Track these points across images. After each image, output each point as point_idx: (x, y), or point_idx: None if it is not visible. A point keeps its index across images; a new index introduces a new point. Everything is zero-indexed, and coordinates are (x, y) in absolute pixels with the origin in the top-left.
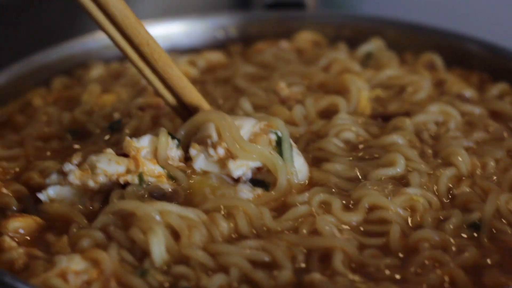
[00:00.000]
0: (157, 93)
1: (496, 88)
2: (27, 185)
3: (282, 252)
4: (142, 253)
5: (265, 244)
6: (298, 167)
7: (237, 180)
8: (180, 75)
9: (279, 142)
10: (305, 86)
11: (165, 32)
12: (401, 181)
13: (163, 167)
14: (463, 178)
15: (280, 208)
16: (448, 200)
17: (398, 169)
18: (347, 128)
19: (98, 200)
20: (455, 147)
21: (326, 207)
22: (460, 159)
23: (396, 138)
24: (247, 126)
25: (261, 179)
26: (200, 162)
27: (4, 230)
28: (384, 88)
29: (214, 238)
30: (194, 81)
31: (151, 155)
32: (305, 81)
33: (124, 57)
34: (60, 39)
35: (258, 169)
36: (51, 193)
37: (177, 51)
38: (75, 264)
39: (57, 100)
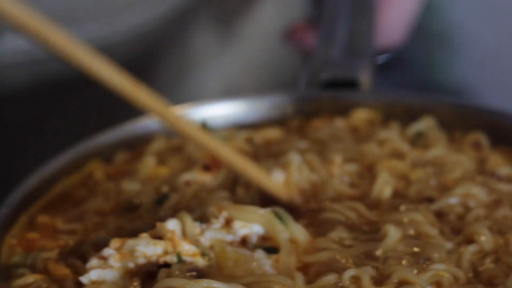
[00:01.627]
0: None
1: None
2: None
3: None
4: None
5: None
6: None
7: (245, 245)
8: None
9: (276, 212)
10: (359, 166)
11: (225, 111)
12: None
13: (195, 245)
14: (487, 255)
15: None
16: (472, 275)
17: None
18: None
19: (138, 280)
20: (477, 226)
21: (356, 281)
22: (483, 238)
23: (414, 215)
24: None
25: (270, 246)
26: (209, 233)
27: None
28: (431, 167)
29: None
30: (248, 155)
31: (181, 237)
32: (360, 160)
33: None
34: (121, 119)
35: (264, 238)
36: (93, 276)
37: (237, 127)
38: None
39: (117, 173)
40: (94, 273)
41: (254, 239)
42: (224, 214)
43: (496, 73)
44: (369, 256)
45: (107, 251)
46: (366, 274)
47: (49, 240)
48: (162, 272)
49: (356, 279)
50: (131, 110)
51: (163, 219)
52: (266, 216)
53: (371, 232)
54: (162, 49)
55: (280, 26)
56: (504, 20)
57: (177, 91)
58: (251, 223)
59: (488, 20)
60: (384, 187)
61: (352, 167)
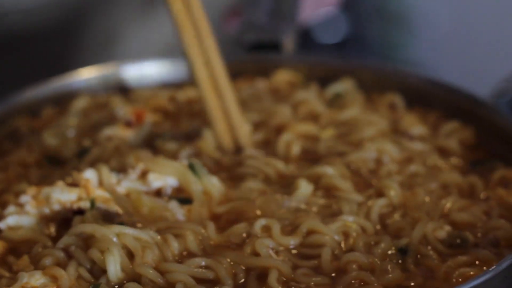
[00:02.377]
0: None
1: (447, 126)
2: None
3: (225, 270)
4: (100, 272)
5: (211, 262)
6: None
7: (160, 195)
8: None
9: (191, 165)
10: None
11: (154, 70)
12: (332, 208)
13: (109, 192)
14: (396, 208)
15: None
16: (380, 227)
17: (299, 198)
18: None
19: (54, 226)
20: (388, 180)
21: (267, 230)
22: (392, 192)
23: (326, 169)
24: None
25: (184, 197)
26: (125, 183)
27: None
28: (344, 127)
29: (165, 257)
30: (170, 114)
31: (98, 185)
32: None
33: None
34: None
35: (178, 190)
36: (10, 222)
37: (162, 87)
38: (35, 279)
39: (43, 127)
40: (11, 219)
41: (168, 191)
42: (141, 165)
43: (452, 52)
44: (280, 208)
45: (23, 198)
46: (276, 223)
47: None
48: (76, 219)
49: (267, 229)
50: (56, 68)
51: (82, 171)
52: (180, 169)
53: (285, 186)
54: (94, 9)
55: None
56: (461, 1)
57: (111, 52)
58: (166, 175)
59: (445, 1)
60: (290, 145)
61: (259, 136)
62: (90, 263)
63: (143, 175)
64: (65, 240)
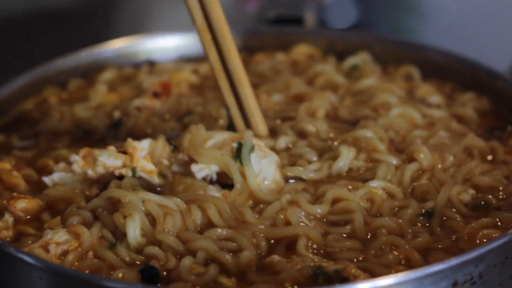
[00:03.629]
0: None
1: (464, 96)
2: (43, 171)
3: (247, 239)
4: (122, 235)
5: (232, 233)
6: (264, 169)
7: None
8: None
9: (239, 149)
10: (284, 96)
11: (175, 43)
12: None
13: (155, 165)
14: (425, 171)
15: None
16: (410, 191)
17: (341, 164)
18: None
19: (96, 188)
20: (418, 145)
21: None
22: (422, 155)
23: (366, 132)
24: (217, 138)
25: (229, 183)
26: (175, 166)
27: (10, 208)
28: (362, 95)
29: (187, 226)
30: (194, 87)
31: (148, 156)
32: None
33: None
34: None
35: (224, 174)
36: (56, 178)
37: (185, 60)
38: (58, 236)
39: (71, 99)
40: (57, 175)
41: (214, 177)
42: (187, 151)
43: (463, 37)
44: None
45: (74, 157)
46: (302, 195)
47: (4, 155)
48: (113, 182)
49: (293, 202)
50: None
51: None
52: (224, 160)
53: (329, 150)
54: None
55: None
56: None
57: (143, 27)
58: (210, 165)
59: None
60: (317, 110)
61: (278, 97)
62: (114, 226)
63: (188, 163)
64: (95, 202)
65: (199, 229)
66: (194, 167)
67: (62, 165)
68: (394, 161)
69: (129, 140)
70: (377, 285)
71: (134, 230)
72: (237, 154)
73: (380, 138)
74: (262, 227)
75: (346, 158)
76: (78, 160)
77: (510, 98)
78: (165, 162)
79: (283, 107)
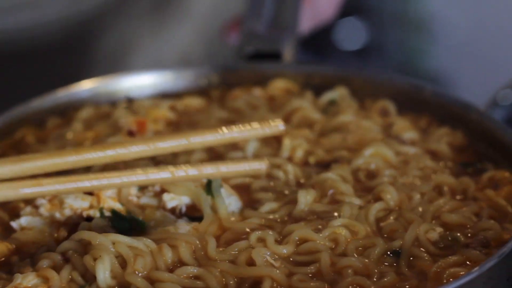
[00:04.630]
0: None
1: (438, 131)
2: (14, 213)
3: (216, 280)
4: (92, 277)
5: (201, 272)
6: (233, 203)
7: (174, 213)
8: None
9: (209, 183)
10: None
11: (153, 80)
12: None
13: (122, 204)
14: (391, 211)
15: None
16: (375, 230)
17: (301, 207)
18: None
19: (65, 230)
20: (384, 184)
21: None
22: (388, 195)
23: (328, 174)
24: None
25: (196, 216)
26: (144, 199)
27: None
28: (338, 133)
29: (158, 266)
30: (171, 123)
31: (115, 195)
32: None
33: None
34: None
35: (192, 207)
36: (23, 222)
37: (163, 96)
38: (27, 280)
39: (48, 137)
40: (24, 219)
41: (183, 209)
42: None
43: (473, 60)
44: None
45: (40, 201)
46: (270, 234)
47: None
48: (83, 225)
49: (261, 240)
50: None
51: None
52: (194, 190)
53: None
54: (104, 23)
55: None
56: (481, 7)
57: (125, 63)
58: (181, 195)
59: (464, 6)
60: (295, 149)
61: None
62: (84, 268)
63: (160, 193)
64: (65, 244)
65: (170, 268)
66: (165, 196)
67: (28, 208)
68: (357, 201)
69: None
70: None
71: (103, 272)
72: (208, 188)
73: (344, 180)
74: (229, 265)
75: (304, 202)
76: (44, 204)
77: (484, 132)
78: (134, 198)
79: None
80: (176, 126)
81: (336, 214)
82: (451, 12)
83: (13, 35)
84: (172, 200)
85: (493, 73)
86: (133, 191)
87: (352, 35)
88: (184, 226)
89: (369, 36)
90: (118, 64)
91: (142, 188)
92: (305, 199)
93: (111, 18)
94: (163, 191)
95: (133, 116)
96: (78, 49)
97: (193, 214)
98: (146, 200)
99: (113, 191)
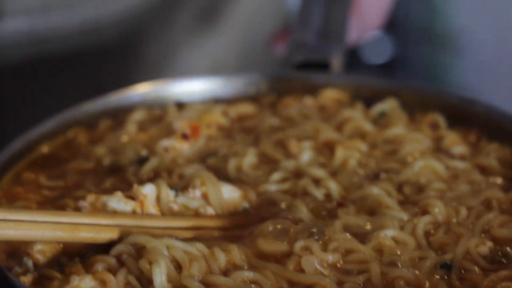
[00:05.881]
0: None
1: (488, 146)
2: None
3: (270, 284)
4: (147, 281)
5: (257, 276)
6: None
7: None
8: None
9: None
10: (314, 142)
11: (204, 86)
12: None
13: (163, 213)
14: (440, 225)
15: None
16: (426, 244)
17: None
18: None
19: None
20: (431, 198)
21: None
22: (436, 209)
23: (373, 189)
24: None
25: None
26: (180, 199)
27: (27, 250)
28: (388, 144)
29: (212, 269)
30: (224, 129)
31: (154, 202)
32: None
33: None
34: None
35: None
36: None
37: (214, 102)
38: (84, 283)
39: (100, 139)
40: None
41: None
42: (203, 188)
43: (498, 74)
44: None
45: (82, 203)
46: (315, 243)
47: (32, 194)
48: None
49: (306, 248)
50: (116, 84)
51: (141, 182)
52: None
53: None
54: (150, 29)
55: (266, 6)
56: (507, 22)
57: (166, 69)
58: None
59: (491, 22)
60: (348, 159)
61: (308, 144)
62: (139, 272)
63: (202, 197)
64: (118, 248)
65: (224, 272)
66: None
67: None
68: (404, 216)
69: (135, 186)
70: None
71: (160, 276)
72: None
73: (389, 194)
74: (281, 268)
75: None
76: (86, 206)
77: None
78: (175, 206)
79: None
80: (229, 132)
81: (381, 226)
82: (478, 28)
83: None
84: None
85: None
86: (171, 196)
87: (378, 50)
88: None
89: (395, 50)
90: (162, 71)
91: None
92: (345, 220)
93: (154, 23)
94: (204, 195)
95: (186, 120)
96: (122, 55)
97: None
98: (181, 199)
99: (153, 197)
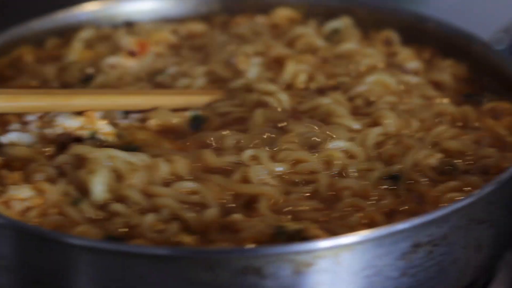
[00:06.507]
0: None
1: (442, 62)
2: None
3: (212, 195)
4: (87, 191)
5: (198, 187)
6: None
7: None
8: None
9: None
10: (264, 58)
11: (155, 5)
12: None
13: (112, 126)
14: (390, 137)
15: None
16: (375, 155)
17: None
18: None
19: (52, 148)
20: (384, 110)
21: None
22: (387, 120)
23: (324, 99)
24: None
25: None
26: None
27: None
28: (340, 60)
29: (154, 180)
30: (173, 47)
31: (102, 117)
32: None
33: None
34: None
35: None
36: (12, 137)
37: (164, 21)
38: (22, 192)
39: (47, 57)
40: (13, 134)
41: None
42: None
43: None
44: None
45: (30, 117)
46: (264, 152)
47: None
48: (74, 145)
49: (254, 158)
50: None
51: None
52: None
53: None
54: None
55: None
56: None
57: None
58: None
59: None
60: (298, 74)
61: (257, 60)
62: (79, 182)
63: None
64: (61, 158)
65: (166, 183)
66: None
67: (17, 125)
68: (356, 125)
69: None
70: (336, 244)
71: (99, 186)
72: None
73: (340, 104)
74: (225, 180)
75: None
76: (34, 120)
77: (489, 64)
78: (123, 121)
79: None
80: (178, 50)
81: (333, 136)
82: None
83: None
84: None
85: (490, 17)
86: (118, 115)
87: None
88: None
89: None
90: None
91: (126, 113)
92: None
93: None
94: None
95: (134, 38)
96: None
97: None
98: (128, 121)
99: (101, 113)
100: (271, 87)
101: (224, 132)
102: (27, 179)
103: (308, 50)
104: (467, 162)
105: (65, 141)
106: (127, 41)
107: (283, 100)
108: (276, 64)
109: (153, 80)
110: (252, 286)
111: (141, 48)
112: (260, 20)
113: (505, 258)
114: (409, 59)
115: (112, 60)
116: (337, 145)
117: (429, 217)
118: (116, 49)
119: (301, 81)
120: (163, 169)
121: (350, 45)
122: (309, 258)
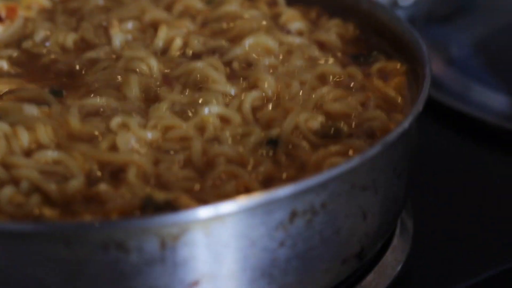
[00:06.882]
0: None
1: (329, 23)
2: None
3: (77, 164)
4: None
5: (62, 156)
6: None
7: None
8: None
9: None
10: (138, 22)
11: None
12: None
13: None
14: (269, 100)
15: None
16: (253, 120)
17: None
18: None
19: None
20: (260, 72)
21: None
22: (265, 84)
23: (196, 63)
24: None
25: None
26: None
27: None
28: (219, 22)
29: (13, 150)
30: (45, 11)
31: None
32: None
33: None
34: None
35: None
36: None
37: None
38: None
39: None
40: None
41: None
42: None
43: None
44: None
45: None
46: (133, 119)
47: None
48: None
49: (123, 125)
50: None
51: None
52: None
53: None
54: None
55: None
56: None
57: None
58: None
59: None
60: (173, 38)
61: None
62: None
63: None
64: None
65: (28, 152)
66: None
67: None
68: (232, 90)
69: None
70: (204, 214)
71: None
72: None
73: (215, 68)
74: (91, 149)
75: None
76: None
77: (377, 23)
78: None
79: (136, 36)
80: (51, 14)
81: (205, 102)
82: None
83: None
84: None
85: None
86: None
87: None
88: (32, 110)
89: None
90: None
91: None
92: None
93: None
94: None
95: (2, 1)
96: None
97: None
98: None
99: None
100: (139, 53)
101: (90, 99)
102: None
103: (187, 13)
104: (352, 125)
105: None
106: None
107: (153, 65)
108: (151, 29)
109: (20, 47)
110: (116, 262)
111: (10, 13)
112: None
113: (404, 225)
114: (294, 19)
115: None
116: (211, 110)
117: (305, 184)
118: None
119: (176, 47)
120: (24, 137)
121: (230, 7)
122: (176, 230)
